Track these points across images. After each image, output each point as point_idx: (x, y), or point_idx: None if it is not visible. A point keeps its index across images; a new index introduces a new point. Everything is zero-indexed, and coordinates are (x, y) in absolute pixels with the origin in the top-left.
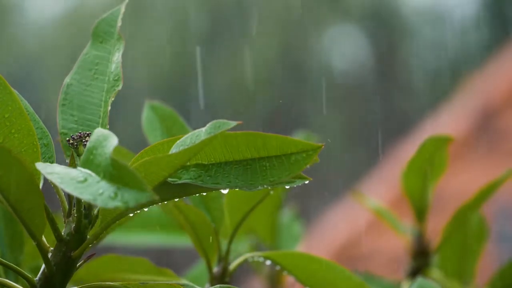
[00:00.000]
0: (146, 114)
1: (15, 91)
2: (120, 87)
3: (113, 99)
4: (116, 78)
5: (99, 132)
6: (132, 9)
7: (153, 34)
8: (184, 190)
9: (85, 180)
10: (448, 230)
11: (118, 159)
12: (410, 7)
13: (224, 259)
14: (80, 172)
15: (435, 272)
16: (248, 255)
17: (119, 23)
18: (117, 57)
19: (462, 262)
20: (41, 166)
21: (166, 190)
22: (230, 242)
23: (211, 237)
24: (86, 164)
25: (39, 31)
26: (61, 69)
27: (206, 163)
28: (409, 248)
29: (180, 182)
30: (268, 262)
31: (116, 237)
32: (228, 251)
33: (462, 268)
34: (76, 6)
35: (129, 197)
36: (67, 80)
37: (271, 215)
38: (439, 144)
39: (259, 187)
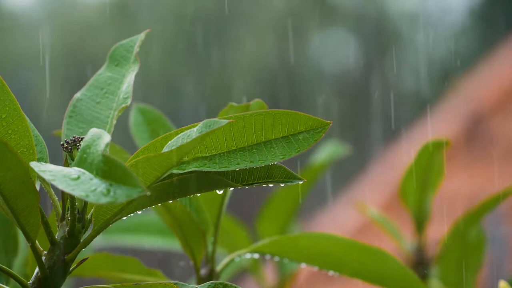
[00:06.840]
0: (133, 117)
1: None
2: (128, 104)
3: (120, 114)
4: (126, 96)
5: (93, 131)
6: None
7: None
8: (186, 187)
9: (78, 177)
10: (447, 241)
11: (110, 155)
12: (399, 11)
13: (210, 260)
14: (73, 170)
15: (435, 283)
16: (234, 255)
17: (137, 49)
18: (130, 77)
19: (462, 272)
20: (34, 164)
21: (167, 189)
22: (214, 242)
23: (199, 238)
24: (80, 163)
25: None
26: (52, 73)
27: (207, 155)
28: (409, 259)
29: (187, 171)
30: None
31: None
32: (213, 251)
33: (462, 278)
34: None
35: (121, 193)
36: (77, 95)
37: (281, 227)
38: (436, 150)
39: (270, 164)
